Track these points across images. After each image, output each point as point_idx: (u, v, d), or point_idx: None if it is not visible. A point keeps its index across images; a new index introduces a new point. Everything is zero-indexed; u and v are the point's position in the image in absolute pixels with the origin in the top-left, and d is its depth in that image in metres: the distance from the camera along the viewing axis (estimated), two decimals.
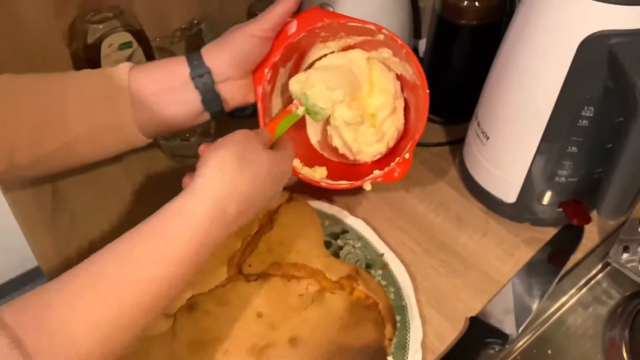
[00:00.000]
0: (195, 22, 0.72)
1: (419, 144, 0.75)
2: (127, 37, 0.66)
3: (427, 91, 0.58)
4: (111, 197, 0.70)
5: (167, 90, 0.53)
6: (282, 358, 0.47)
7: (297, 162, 0.60)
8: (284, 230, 0.56)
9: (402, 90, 0.64)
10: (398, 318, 0.56)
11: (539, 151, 0.58)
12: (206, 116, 0.56)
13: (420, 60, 0.61)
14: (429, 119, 0.79)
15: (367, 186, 0.59)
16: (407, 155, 0.58)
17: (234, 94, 0.56)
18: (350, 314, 0.50)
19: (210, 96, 0.54)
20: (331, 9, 0.77)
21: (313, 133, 0.66)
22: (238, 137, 0.46)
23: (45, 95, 0.51)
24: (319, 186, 0.60)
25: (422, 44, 0.85)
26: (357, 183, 0.59)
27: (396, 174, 0.58)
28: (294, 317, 0.49)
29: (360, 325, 0.50)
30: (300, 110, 0.56)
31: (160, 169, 0.73)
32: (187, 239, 0.40)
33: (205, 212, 0.41)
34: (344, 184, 0.60)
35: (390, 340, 0.52)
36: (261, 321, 0.49)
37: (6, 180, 0.57)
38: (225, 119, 0.79)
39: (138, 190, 0.71)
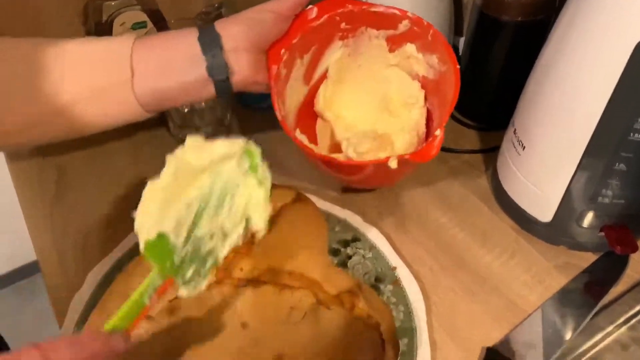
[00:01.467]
0: (216, 5, 0.68)
1: (449, 150, 0.69)
2: (141, 16, 0.63)
3: (458, 66, 0.54)
4: (115, 188, 0.66)
5: (171, 57, 0.50)
6: None
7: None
8: (284, 233, 0.51)
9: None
10: (405, 341, 0.50)
11: (580, 166, 0.51)
12: (210, 89, 0.52)
13: (458, 58, 0.56)
14: (462, 123, 0.74)
15: (393, 163, 0.50)
16: (437, 132, 0.50)
17: (242, 65, 0.52)
18: (346, 334, 0.45)
19: (217, 62, 0.50)
20: None
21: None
22: None
23: (39, 57, 0.48)
24: (337, 163, 0.55)
25: (463, 42, 0.78)
26: (382, 159, 0.51)
27: (433, 152, 0.50)
28: (282, 333, 0.44)
29: (356, 348, 0.44)
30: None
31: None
32: None
33: None
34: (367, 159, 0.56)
35: None
36: (245, 334, 0.44)
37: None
38: (242, 111, 0.74)
39: (146, 179, 0.67)
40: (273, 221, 0.53)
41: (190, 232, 0.38)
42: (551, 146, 0.53)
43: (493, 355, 0.49)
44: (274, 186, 0.58)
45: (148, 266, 0.50)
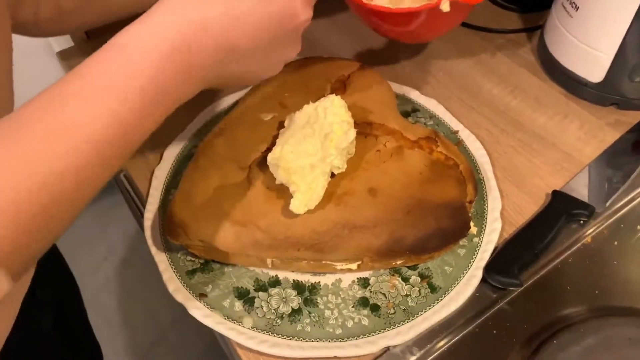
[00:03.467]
0: None
1: (494, 30, 0.71)
2: None
3: None
4: None
5: None
6: (361, 205, 0.46)
7: None
8: (358, 93, 0.54)
9: None
10: None
11: (637, 17, 0.53)
12: None
13: None
14: (503, 7, 0.75)
15: (445, 6, 0.50)
16: None
17: None
18: (430, 170, 0.48)
19: None
20: None
21: None
22: None
23: None
24: (391, 14, 0.52)
25: None
26: (432, 2, 0.50)
27: None
28: (372, 169, 0.47)
29: (441, 182, 0.48)
30: None
31: None
32: (131, 84, 0.31)
33: (160, 44, 0.32)
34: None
35: (471, 202, 0.50)
36: (340, 173, 0.47)
37: (55, 28, 0.55)
38: None
39: None
40: (346, 84, 0.55)
41: None
42: (605, 1, 0.55)
43: (559, 196, 0.53)
44: (340, 59, 0.60)
45: (234, 126, 0.52)
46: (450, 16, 0.51)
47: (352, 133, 0.46)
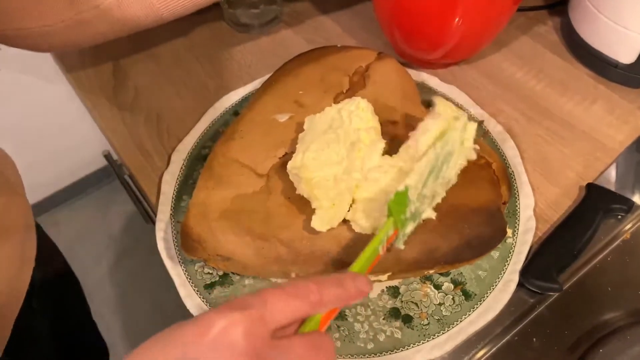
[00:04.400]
0: None
1: None
2: None
3: None
4: (174, 70, 0.64)
5: None
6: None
7: None
8: (379, 88, 0.50)
9: None
10: None
11: None
12: None
13: None
14: None
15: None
16: None
17: None
18: (463, 172, 0.45)
19: None
20: None
21: None
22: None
23: None
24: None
25: None
26: None
27: None
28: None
29: (474, 185, 0.45)
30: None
31: (224, 41, 0.67)
32: None
33: None
34: None
35: (505, 203, 0.47)
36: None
37: (30, 46, 0.51)
38: None
39: (203, 63, 0.65)
40: (365, 77, 0.52)
41: (421, 189, 0.38)
42: None
43: (595, 190, 0.50)
44: (355, 48, 0.56)
45: (248, 129, 0.49)
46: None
47: (381, 146, 0.42)
